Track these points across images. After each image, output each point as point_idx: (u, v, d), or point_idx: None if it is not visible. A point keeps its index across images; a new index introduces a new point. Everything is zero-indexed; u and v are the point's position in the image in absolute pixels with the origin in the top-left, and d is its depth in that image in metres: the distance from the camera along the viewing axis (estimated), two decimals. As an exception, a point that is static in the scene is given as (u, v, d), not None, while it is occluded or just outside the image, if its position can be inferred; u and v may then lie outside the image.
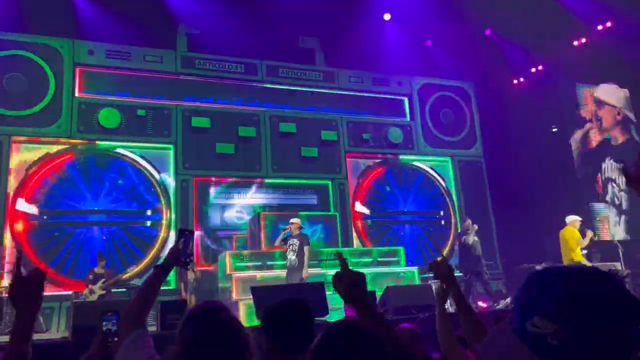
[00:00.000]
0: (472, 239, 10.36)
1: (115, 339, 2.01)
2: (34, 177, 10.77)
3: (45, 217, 10.70)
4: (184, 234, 2.15)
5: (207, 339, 1.61)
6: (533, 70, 13.88)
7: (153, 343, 1.87)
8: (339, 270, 1.60)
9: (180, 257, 2.12)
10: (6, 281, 9.37)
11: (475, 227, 10.61)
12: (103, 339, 2.03)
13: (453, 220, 14.21)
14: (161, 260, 2.21)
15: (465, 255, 10.43)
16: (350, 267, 1.61)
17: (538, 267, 10.98)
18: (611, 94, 15.03)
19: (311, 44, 13.94)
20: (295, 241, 8.60)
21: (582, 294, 0.91)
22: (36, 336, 7.65)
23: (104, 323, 2.04)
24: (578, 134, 14.41)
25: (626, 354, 0.88)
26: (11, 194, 10.47)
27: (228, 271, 9.16)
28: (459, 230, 10.48)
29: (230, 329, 1.66)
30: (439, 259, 2.40)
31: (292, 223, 8.90)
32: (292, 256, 8.51)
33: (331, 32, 12.70)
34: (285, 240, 8.82)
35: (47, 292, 9.75)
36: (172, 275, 10.77)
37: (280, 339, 1.95)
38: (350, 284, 1.56)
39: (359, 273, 1.58)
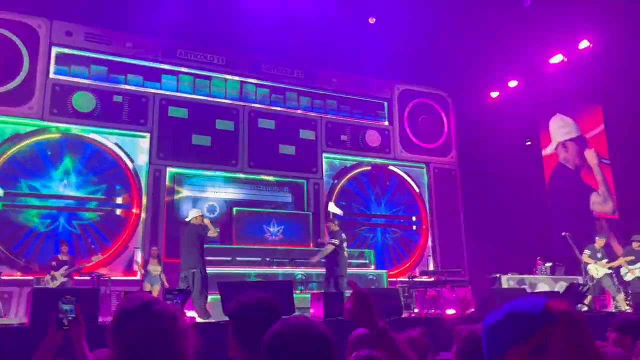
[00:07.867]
0: None
1: (73, 320, 1.91)
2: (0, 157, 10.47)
3: (9, 199, 10.41)
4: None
5: (143, 337, 1.53)
6: (512, 84, 13.90)
7: None
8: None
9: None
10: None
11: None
12: (58, 324, 1.91)
13: (424, 226, 14.33)
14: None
15: None
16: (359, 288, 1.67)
17: (504, 277, 11.18)
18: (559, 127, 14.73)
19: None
20: None
21: None
22: (-7, 321, 7.44)
23: (60, 306, 1.92)
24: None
25: None
26: (-24, 173, 10.15)
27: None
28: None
29: (165, 320, 1.57)
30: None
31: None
32: None
33: (314, 33, 12.63)
34: None
35: (7, 277, 9.49)
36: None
37: (243, 334, 1.93)
38: (358, 302, 1.62)
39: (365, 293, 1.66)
